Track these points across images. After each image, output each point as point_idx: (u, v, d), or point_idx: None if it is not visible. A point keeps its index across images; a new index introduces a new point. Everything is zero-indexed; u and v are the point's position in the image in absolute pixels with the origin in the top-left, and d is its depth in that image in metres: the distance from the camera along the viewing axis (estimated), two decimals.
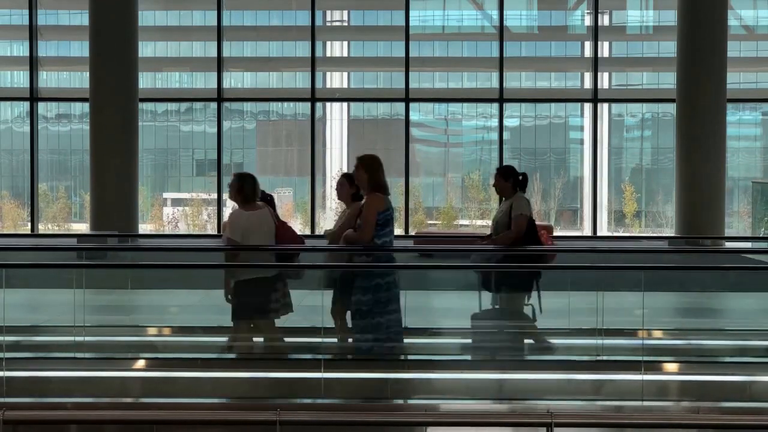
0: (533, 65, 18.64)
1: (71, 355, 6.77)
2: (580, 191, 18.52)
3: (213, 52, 16.68)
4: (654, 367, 6.29)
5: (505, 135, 17.14)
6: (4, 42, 18.77)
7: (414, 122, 17.46)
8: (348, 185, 6.96)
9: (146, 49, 16.91)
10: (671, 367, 6.53)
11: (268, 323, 6.75)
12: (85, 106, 15.06)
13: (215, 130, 16.81)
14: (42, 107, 17.47)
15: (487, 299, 7.22)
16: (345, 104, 18.87)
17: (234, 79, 18.16)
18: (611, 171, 18.60)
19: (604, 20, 17.94)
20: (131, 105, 14.39)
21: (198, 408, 5.50)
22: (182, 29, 18.61)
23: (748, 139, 18.90)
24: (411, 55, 16.53)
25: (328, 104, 18.48)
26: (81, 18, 16.41)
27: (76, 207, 18.76)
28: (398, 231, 17.69)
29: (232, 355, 7.04)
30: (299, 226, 18.19)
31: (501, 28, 16.72)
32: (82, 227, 17.59)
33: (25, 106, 17.01)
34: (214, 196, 17.08)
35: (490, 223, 18.07)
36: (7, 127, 18.70)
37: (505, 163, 16.95)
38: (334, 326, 6.71)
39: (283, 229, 6.80)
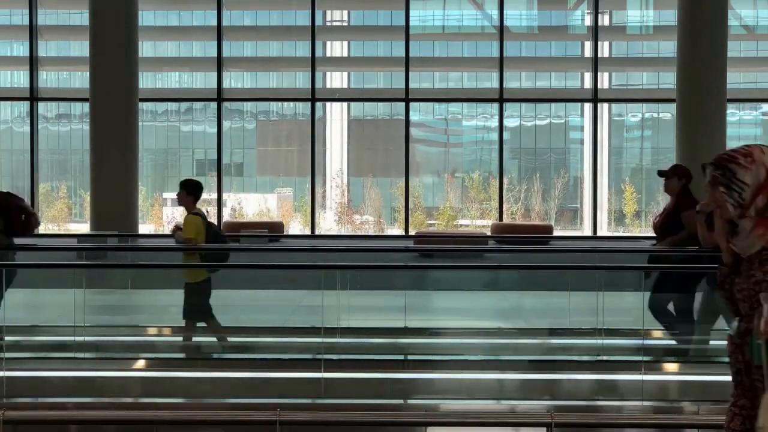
0: (533, 65, 18.64)
1: (71, 355, 6.77)
2: (580, 191, 18.52)
3: (213, 52, 16.67)
4: (654, 367, 6.28)
5: (505, 135, 17.14)
6: (4, 42, 18.77)
7: (414, 122, 17.46)
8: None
9: (146, 49, 16.90)
10: (671, 367, 6.52)
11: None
12: (85, 106, 15.06)
13: (215, 130, 16.81)
14: (42, 107, 17.47)
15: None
16: (345, 104, 18.87)
17: (234, 79, 18.16)
18: (611, 171, 18.60)
19: (604, 20, 17.93)
20: (131, 105, 14.38)
21: (198, 408, 5.50)
22: (182, 29, 18.60)
23: (748, 139, 18.89)
24: (411, 55, 16.52)
25: (328, 104, 18.48)
26: (81, 18, 16.41)
27: (76, 207, 18.76)
28: (398, 231, 17.70)
29: (233, 355, 7.05)
30: (299, 226, 18.20)
31: (501, 28, 16.72)
32: (82, 227, 17.58)
33: (25, 106, 17.01)
34: (214, 196, 17.08)
35: (489, 222, 18.11)
36: (7, 127, 18.70)
37: (504, 164, 16.96)
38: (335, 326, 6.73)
39: None
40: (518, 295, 8.57)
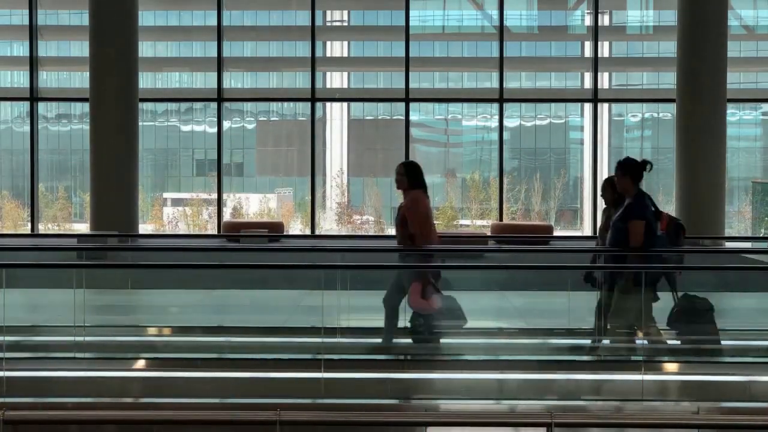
0: (533, 65, 18.63)
1: (71, 355, 6.77)
2: (580, 191, 18.52)
3: (213, 52, 16.68)
4: (654, 367, 6.28)
5: (505, 135, 17.14)
6: (4, 42, 18.77)
7: (414, 122, 17.46)
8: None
9: (146, 49, 16.90)
10: (671, 367, 6.53)
11: None
12: (85, 106, 15.06)
13: (215, 130, 16.81)
14: (42, 107, 17.47)
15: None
16: (345, 104, 18.87)
17: (234, 79, 18.16)
18: (611, 171, 18.55)
19: (604, 20, 17.93)
20: (131, 105, 14.39)
21: (198, 408, 5.50)
22: (182, 29, 18.60)
23: (748, 139, 18.89)
24: (411, 55, 16.53)
25: (328, 104, 18.47)
26: (81, 18, 16.41)
27: (76, 207, 18.76)
28: None
29: (233, 356, 7.04)
30: (299, 226, 18.20)
31: (501, 28, 16.72)
32: (82, 227, 17.58)
33: (25, 106, 17.01)
34: (214, 196, 17.08)
35: (489, 222, 18.07)
36: (7, 127, 18.69)
37: (504, 164, 16.95)
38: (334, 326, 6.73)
39: None
40: (518, 295, 8.56)
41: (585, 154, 18.08)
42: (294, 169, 18.94)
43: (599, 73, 16.89)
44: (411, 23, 16.63)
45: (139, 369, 6.53)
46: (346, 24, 19.20)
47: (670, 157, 15.86)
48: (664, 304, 6.71)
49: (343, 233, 17.96)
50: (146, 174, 18.40)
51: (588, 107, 17.38)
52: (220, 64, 16.58)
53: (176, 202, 19.13)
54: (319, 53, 17.36)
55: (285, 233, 16.13)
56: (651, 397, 5.84)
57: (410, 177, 6.99)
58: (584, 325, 7.12)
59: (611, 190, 7.10)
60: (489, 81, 17.35)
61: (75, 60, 17.56)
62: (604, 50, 17.87)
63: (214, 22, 16.60)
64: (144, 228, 17.51)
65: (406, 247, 7.00)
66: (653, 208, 6.63)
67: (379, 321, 7.74)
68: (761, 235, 17.11)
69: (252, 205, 18.84)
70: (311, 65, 16.67)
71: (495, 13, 17.06)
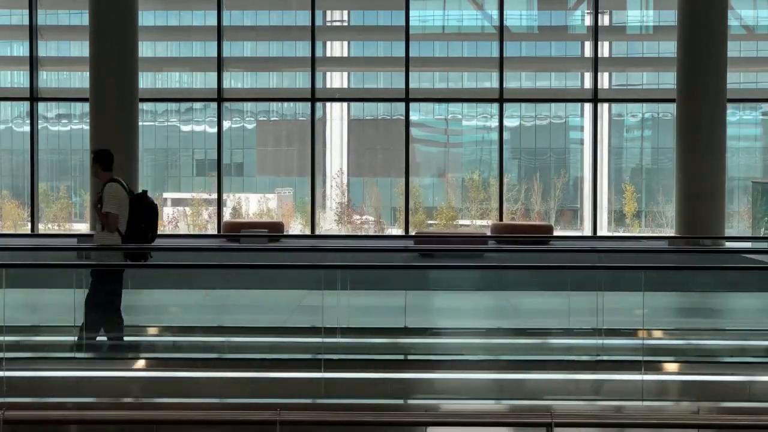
0: (533, 65, 18.63)
1: (71, 355, 6.77)
2: (580, 191, 18.51)
3: (213, 52, 16.68)
4: (654, 367, 6.28)
5: (505, 135, 17.14)
6: (4, 42, 18.77)
7: (414, 122, 17.46)
8: None
9: (146, 49, 16.90)
10: (671, 367, 6.52)
11: None
12: (85, 106, 15.06)
13: (215, 130, 16.81)
14: (42, 107, 17.47)
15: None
16: (345, 104, 18.87)
17: (234, 79, 18.16)
18: (611, 171, 18.59)
19: (604, 20, 17.94)
20: (131, 105, 14.39)
21: (198, 408, 5.49)
22: (182, 29, 18.60)
23: (748, 139, 18.89)
24: (411, 55, 16.53)
25: (328, 104, 18.47)
26: (81, 18, 16.42)
27: (76, 207, 18.76)
28: (398, 231, 17.69)
29: (233, 356, 7.04)
30: (299, 226, 18.19)
31: (501, 28, 16.72)
32: (82, 227, 17.58)
33: (25, 106, 17.02)
34: (214, 196, 17.08)
35: (489, 223, 18.12)
36: (7, 127, 18.69)
37: (504, 164, 16.94)
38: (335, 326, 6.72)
39: None
40: (518, 295, 8.56)
41: (585, 154, 18.08)
42: (294, 169, 18.94)
43: (599, 73, 16.90)
44: (411, 23, 16.64)
45: (139, 369, 6.53)
46: (346, 24, 19.20)
47: (670, 157, 15.87)
48: (664, 303, 6.71)
49: (343, 233, 17.96)
50: (146, 174, 18.38)
51: (588, 107, 17.39)
52: (220, 64, 16.58)
53: (176, 202, 19.12)
54: (319, 53, 17.36)
55: (285, 233, 16.13)
56: (651, 397, 5.84)
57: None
58: (584, 324, 7.12)
59: None
60: (489, 81, 17.35)
61: (75, 60, 17.56)
62: (604, 50, 17.88)
63: (214, 22, 16.60)
64: None
65: (408, 247, 6.99)
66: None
67: (378, 321, 7.76)
68: (761, 235, 17.11)
69: (252, 205, 18.84)
70: (311, 65, 16.68)
71: (495, 13, 17.07)
